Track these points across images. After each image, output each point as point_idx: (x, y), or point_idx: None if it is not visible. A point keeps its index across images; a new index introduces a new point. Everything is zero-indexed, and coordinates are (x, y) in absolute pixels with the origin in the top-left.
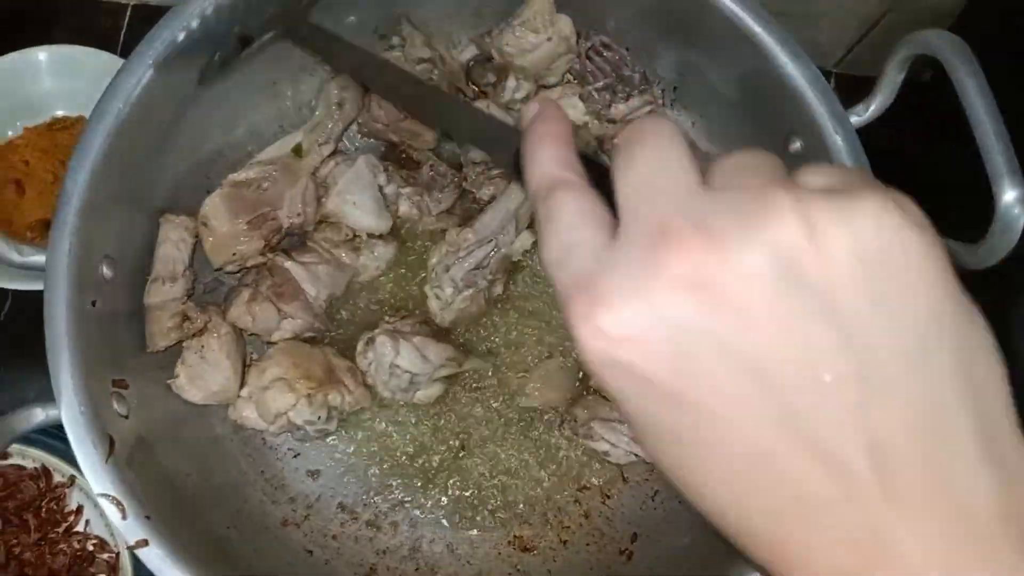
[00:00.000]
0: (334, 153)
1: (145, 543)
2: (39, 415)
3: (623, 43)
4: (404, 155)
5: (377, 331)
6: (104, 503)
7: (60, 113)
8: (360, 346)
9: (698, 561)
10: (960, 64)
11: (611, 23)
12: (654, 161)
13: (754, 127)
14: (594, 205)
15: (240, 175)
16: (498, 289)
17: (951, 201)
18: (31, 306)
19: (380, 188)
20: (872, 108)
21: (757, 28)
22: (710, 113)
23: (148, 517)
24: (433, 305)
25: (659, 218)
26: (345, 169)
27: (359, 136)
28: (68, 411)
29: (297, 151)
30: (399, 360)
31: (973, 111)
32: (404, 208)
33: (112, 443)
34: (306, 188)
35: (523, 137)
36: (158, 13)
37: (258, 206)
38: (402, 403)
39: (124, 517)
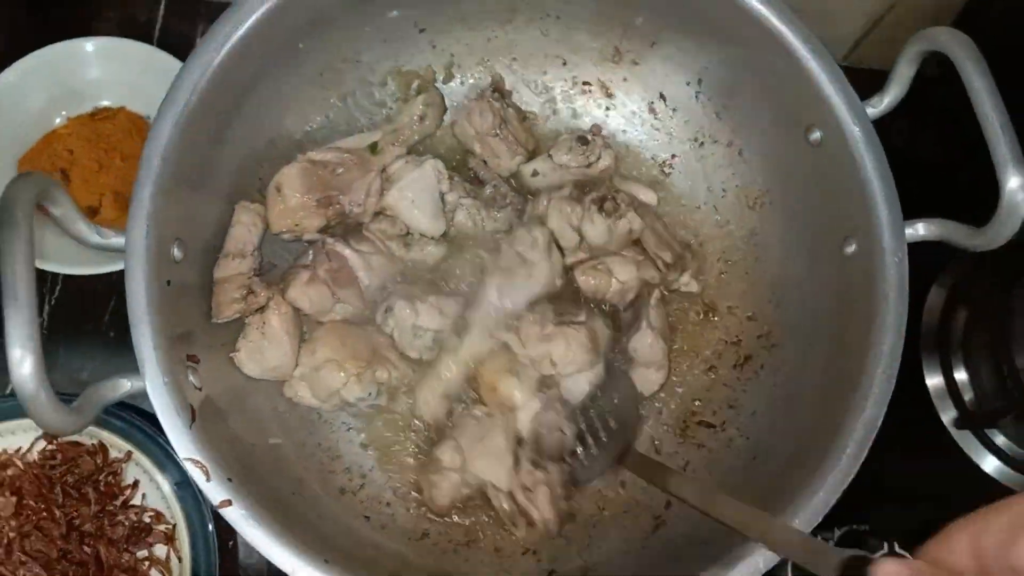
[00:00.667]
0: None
1: (229, 503)
2: (125, 385)
3: (649, 39)
4: (473, 172)
5: (392, 298)
6: (189, 467)
7: (104, 103)
8: (379, 316)
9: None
10: (968, 60)
11: (639, 20)
12: None
13: (775, 119)
14: None
15: (318, 155)
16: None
17: (959, 188)
18: (79, 290)
19: (441, 194)
20: (887, 100)
21: (779, 24)
22: (733, 104)
23: (230, 479)
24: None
25: None
26: (412, 168)
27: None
28: (152, 381)
29: (372, 148)
30: (420, 320)
31: (980, 104)
32: (460, 217)
33: (193, 411)
34: (373, 182)
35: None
36: (192, 7)
37: (328, 187)
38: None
39: (208, 479)
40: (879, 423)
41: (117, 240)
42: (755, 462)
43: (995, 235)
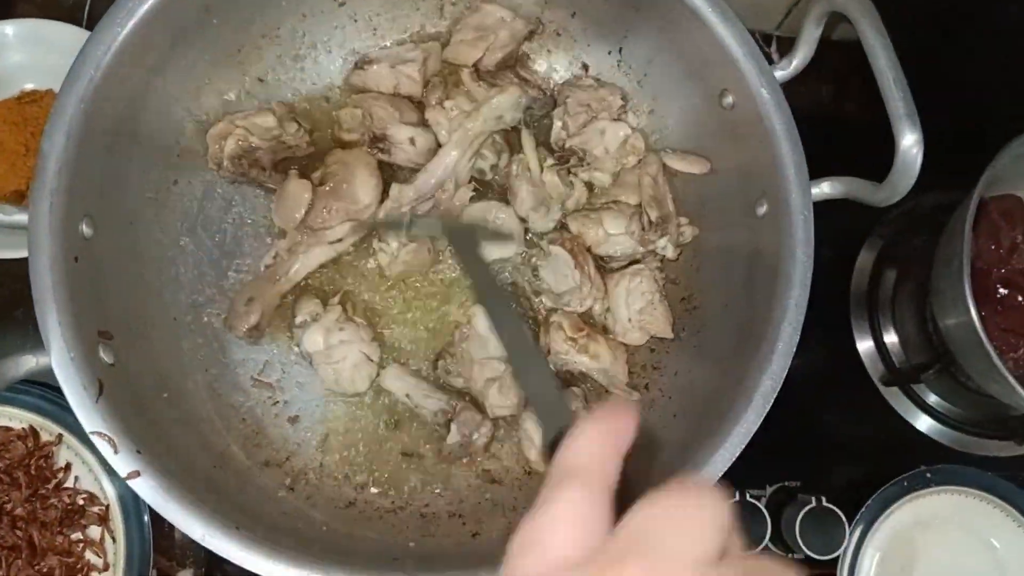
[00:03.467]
0: None
1: (137, 474)
2: (30, 362)
3: (569, 9)
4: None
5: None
6: (96, 440)
7: (29, 87)
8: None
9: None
10: (864, 18)
11: None
12: (683, 519)
13: (691, 85)
14: (596, 514)
15: None
16: (443, 242)
17: (872, 150)
18: (5, 275)
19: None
20: (795, 63)
21: None
22: (653, 72)
23: (139, 451)
24: (381, 259)
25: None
26: None
27: None
28: (58, 356)
29: None
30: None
31: (876, 61)
32: None
33: (101, 386)
34: None
35: (582, 419)
36: None
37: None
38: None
39: (116, 451)
40: (783, 375)
41: (20, 217)
42: (675, 420)
43: (893, 190)
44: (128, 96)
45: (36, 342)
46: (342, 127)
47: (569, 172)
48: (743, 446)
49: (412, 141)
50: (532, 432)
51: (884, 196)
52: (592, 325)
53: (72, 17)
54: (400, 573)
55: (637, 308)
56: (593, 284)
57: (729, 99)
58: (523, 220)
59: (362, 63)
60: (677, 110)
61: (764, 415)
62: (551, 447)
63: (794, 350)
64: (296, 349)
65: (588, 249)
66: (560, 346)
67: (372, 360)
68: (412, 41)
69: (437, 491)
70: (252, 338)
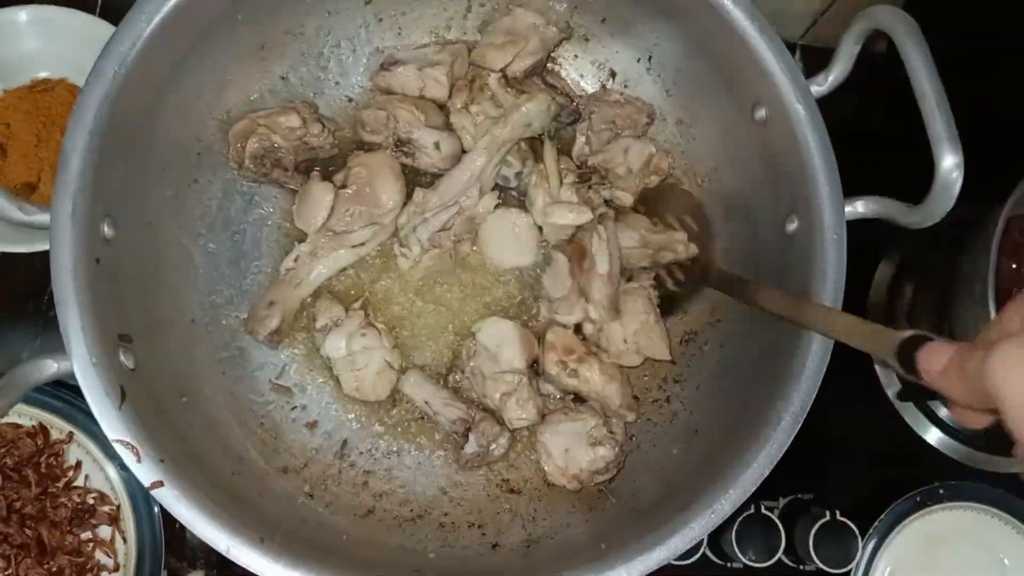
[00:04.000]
0: None
1: (160, 484)
2: (51, 367)
3: (599, 14)
4: None
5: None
6: (119, 448)
7: (42, 75)
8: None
9: (671, 496)
10: (907, 38)
11: None
12: None
13: (722, 97)
14: None
15: None
16: (465, 248)
17: (899, 166)
18: (17, 268)
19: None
20: (832, 78)
21: (726, 1)
22: (683, 82)
23: (162, 460)
24: (402, 264)
25: None
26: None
27: None
28: (80, 362)
29: None
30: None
31: (918, 82)
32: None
33: (123, 392)
34: None
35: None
36: None
37: None
38: None
39: (139, 460)
40: (812, 397)
41: (42, 217)
42: (696, 435)
43: (929, 212)
44: (151, 93)
45: (47, 336)
46: (365, 127)
47: (589, 189)
48: (772, 466)
49: (437, 146)
50: (550, 445)
51: (919, 219)
52: (588, 345)
53: (85, 4)
54: None
55: (632, 329)
56: (584, 296)
57: (762, 112)
58: (539, 228)
59: (388, 64)
60: (706, 121)
61: (793, 436)
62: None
63: (824, 372)
64: (316, 353)
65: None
66: (551, 368)
67: (393, 367)
68: (438, 43)
69: (456, 500)
70: (273, 342)
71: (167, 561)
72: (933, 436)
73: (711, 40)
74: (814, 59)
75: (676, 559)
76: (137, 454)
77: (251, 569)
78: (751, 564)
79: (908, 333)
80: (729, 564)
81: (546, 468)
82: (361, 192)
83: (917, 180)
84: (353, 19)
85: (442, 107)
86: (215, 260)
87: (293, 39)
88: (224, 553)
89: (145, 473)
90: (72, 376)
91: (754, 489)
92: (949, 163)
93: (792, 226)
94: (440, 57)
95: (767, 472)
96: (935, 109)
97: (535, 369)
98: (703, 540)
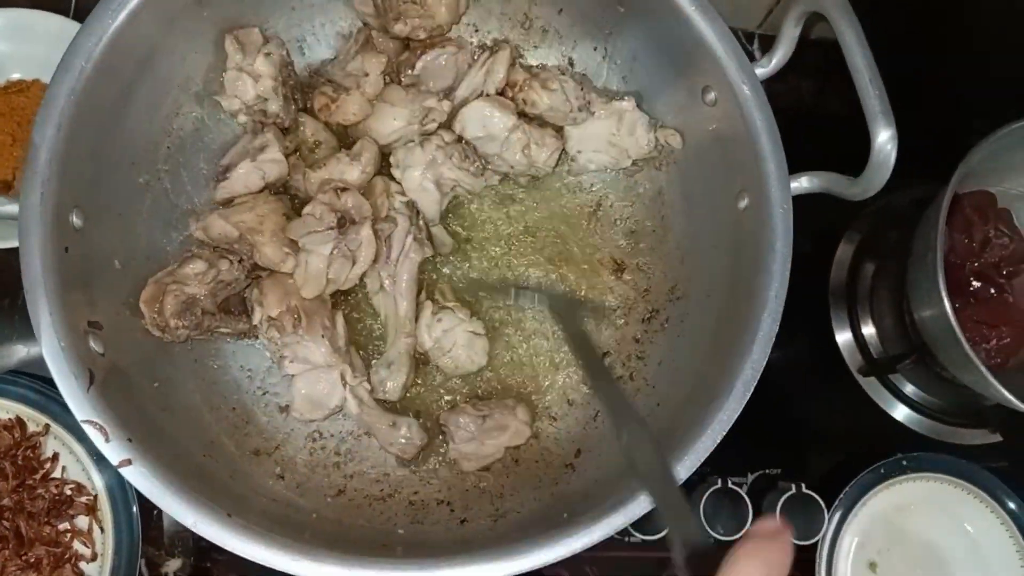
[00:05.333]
0: None
1: (128, 462)
2: (21, 351)
3: (556, 5)
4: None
5: None
6: (88, 428)
7: (16, 76)
8: None
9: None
10: (841, 18)
11: None
12: None
13: (675, 82)
14: None
15: None
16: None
17: (841, 143)
18: None
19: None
20: (775, 61)
21: None
22: (637, 70)
23: (130, 440)
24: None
25: None
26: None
27: None
28: (48, 346)
29: None
30: None
31: (851, 57)
32: None
33: (92, 375)
34: None
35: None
36: None
37: None
38: None
39: (107, 440)
40: (763, 363)
41: (10, 208)
42: (658, 408)
43: (868, 184)
44: (119, 87)
45: (24, 331)
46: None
47: None
48: (725, 432)
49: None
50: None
51: (859, 191)
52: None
53: (59, 7)
54: (390, 559)
55: None
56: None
57: (711, 95)
58: None
59: (221, 174)
60: (661, 106)
61: (745, 402)
62: (687, 560)
63: (774, 339)
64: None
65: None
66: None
67: (479, 334)
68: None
69: (425, 479)
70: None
71: (145, 550)
72: (898, 411)
73: (661, 27)
74: (771, 46)
75: (647, 535)
76: (105, 434)
77: (220, 544)
78: (720, 538)
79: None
80: None
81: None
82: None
83: (851, 155)
84: (320, 12)
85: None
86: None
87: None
88: (191, 528)
89: (113, 452)
90: (40, 361)
91: (707, 455)
92: (884, 137)
93: (743, 202)
94: (267, 137)
95: (720, 438)
96: (868, 85)
97: None
98: None
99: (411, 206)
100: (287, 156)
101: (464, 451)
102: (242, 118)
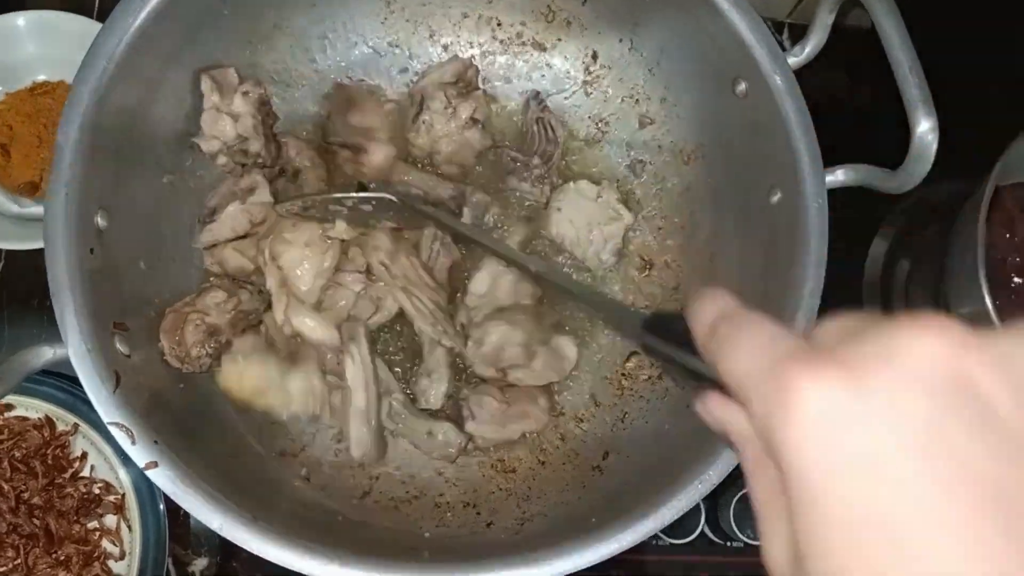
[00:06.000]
0: None
1: (155, 464)
2: (48, 353)
3: None
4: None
5: None
6: (114, 431)
7: (41, 78)
8: None
9: (662, 470)
10: (878, 4)
11: None
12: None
13: (704, 73)
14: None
15: None
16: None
17: (875, 134)
18: (23, 266)
19: None
20: (807, 50)
21: None
22: (665, 60)
23: (156, 442)
24: None
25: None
26: None
27: None
28: (75, 348)
29: None
30: None
31: (890, 48)
32: None
33: (118, 377)
34: None
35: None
36: None
37: None
38: None
39: (133, 442)
40: None
41: (36, 209)
42: (687, 410)
43: (907, 177)
44: (142, 86)
45: (52, 331)
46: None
47: None
48: None
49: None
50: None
51: (899, 183)
52: None
53: (83, 7)
54: (415, 562)
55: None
56: None
57: (742, 86)
58: None
59: (207, 217)
60: (689, 98)
61: None
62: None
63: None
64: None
65: None
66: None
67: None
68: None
69: (451, 481)
70: None
71: (172, 549)
72: None
73: (689, 17)
74: (802, 35)
75: (675, 539)
76: (131, 436)
77: (245, 547)
78: (750, 542)
79: (651, 312)
80: (729, 543)
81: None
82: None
83: (889, 146)
84: (342, 9)
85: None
86: None
87: (281, 32)
88: (217, 531)
89: (140, 454)
90: (67, 362)
91: (738, 461)
92: (924, 127)
93: (776, 197)
94: (255, 179)
95: None
96: (908, 75)
97: None
98: (701, 519)
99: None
100: (272, 181)
101: (482, 431)
102: (222, 159)
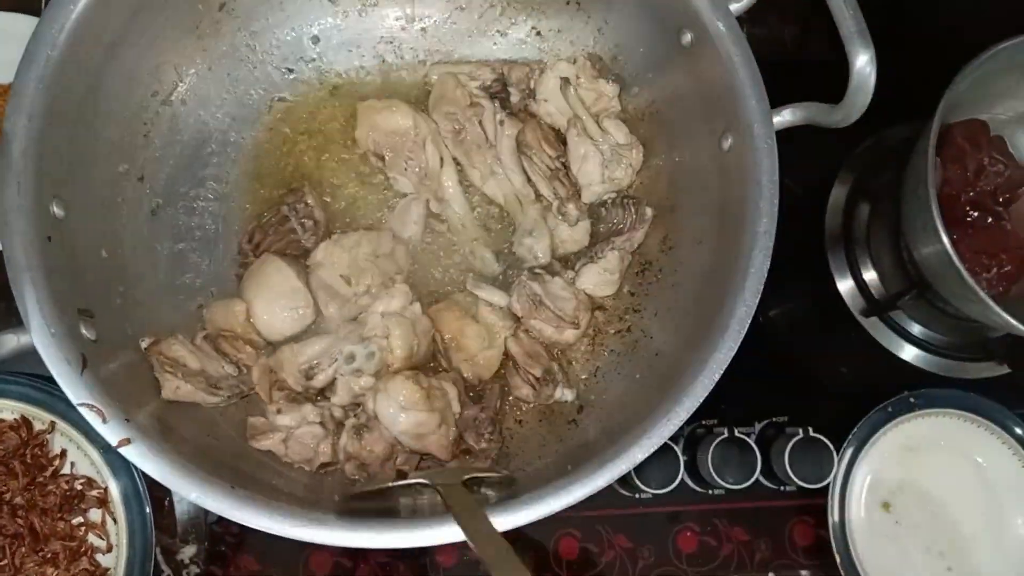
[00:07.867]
0: None
1: (127, 441)
2: (12, 340)
3: None
4: None
5: None
6: (84, 411)
7: None
8: None
9: (635, 419)
10: None
11: None
12: None
13: (651, 25)
14: None
15: None
16: None
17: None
18: None
19: None
20: None
21: None
22: (613, 18)
23: (127, 420)
24: None
25: None
26: None
27: None
28: (39, 333)
29: None
30: None
31: None
32: None
33: (84, 360)
34: None
35: None
36: None
37: None
38: None
39: (105, 420)
40: (757, 299)
41: None
42: (657, 358)
43: (850, 109)
44: (89, 74)
45: (17, 323)
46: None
47: None
48: (722, 371)
49: None
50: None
51: (841, 116)
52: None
53: (30, 7)
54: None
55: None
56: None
57: (688, 37)
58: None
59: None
60: (640, 54)
61: (740, 339)
62: None
63: (766, 275)
64: None
65: None
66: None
67: None
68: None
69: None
70: None
71: (159, 539)
72: (905, 351)
73: None
74: None
75: (657, 489)
76: (102, 415)
77: (224, 515)
78: (729, 487)
79: None
80: (710, 491)
81: None
82: None
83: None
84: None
85: None
86: (175, 242)
87: (226, 15)
88: (194, 501)
89: (111, 433)
90: (36, 353)
91: (706, 394)
92: (863, 59)
93: (727, 142)
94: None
95: (717, 377)
96: (843, 7)
97: None
98: (680, 468)
99: (487, 88)
100: None
101: (538, 327)
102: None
